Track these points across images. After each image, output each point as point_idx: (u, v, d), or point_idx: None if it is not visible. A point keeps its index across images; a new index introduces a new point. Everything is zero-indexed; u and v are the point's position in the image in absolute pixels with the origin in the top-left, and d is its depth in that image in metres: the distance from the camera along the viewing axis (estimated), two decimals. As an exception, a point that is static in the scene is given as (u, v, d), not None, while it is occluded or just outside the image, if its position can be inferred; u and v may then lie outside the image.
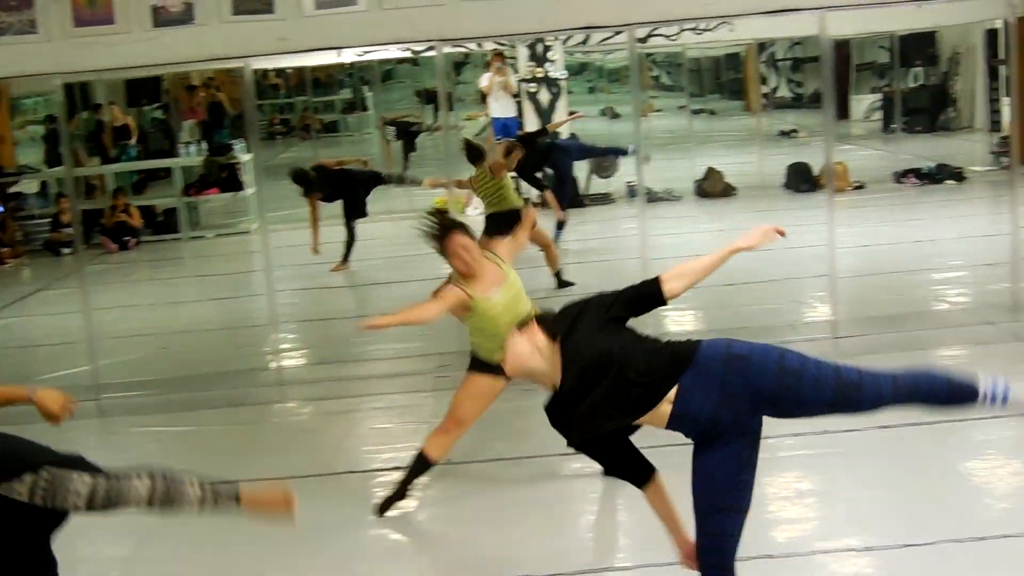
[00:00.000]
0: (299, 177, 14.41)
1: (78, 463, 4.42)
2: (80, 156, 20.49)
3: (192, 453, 8.09)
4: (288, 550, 6.30)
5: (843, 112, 29.34)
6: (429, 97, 31.99)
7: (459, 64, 38.14)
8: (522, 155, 12.51)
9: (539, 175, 14.42)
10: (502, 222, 11.43)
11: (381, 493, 6.98)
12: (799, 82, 35.73)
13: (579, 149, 15.67)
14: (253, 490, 4.56)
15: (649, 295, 4.57)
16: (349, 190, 14.41)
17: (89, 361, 9.82)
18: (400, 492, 6.67)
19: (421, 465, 6.69)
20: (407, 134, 23.00)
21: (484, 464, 7.32)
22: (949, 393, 4.43)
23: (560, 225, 13.75)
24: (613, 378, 4.28)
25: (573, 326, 4.47)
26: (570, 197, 14.21)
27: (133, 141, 21.53)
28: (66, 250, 17.35)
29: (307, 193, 14.30)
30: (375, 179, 15.08)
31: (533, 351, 4.43)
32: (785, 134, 26.40)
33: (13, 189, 19.51)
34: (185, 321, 12.31)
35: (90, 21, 9.19)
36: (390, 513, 6.67)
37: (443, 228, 6.44)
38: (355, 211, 14.42)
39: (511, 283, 6.60)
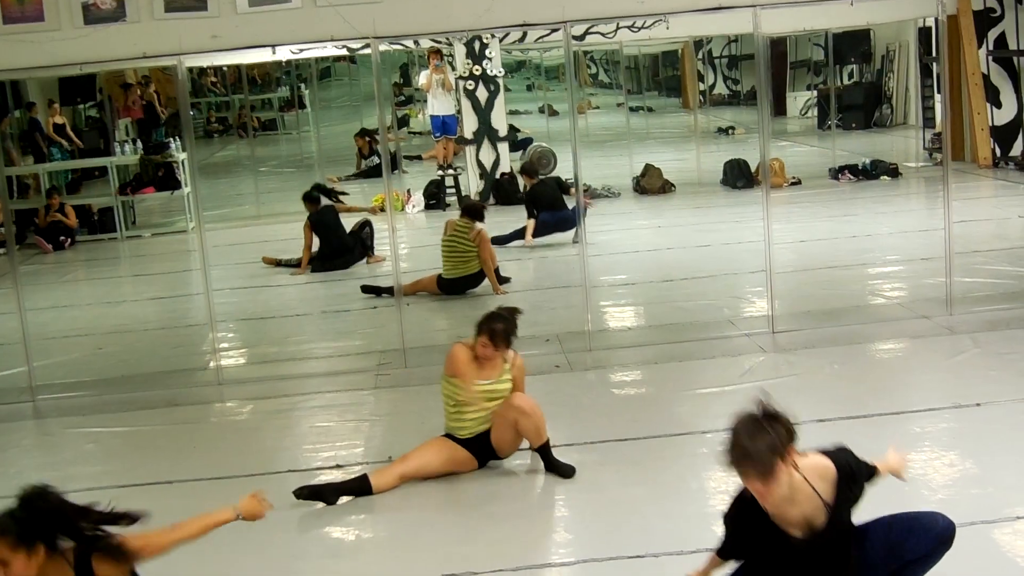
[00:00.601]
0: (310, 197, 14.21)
1: None
2: (13, 155, 20.21)
3: (130, 453, 8.01)
4: (228, 550, 6.25)
5: (779, 109, 29.67)
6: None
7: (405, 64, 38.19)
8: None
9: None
10: (460, 286, 11.91)
11: (322, 492, 6.97)
12: (736, 79, 36.03)
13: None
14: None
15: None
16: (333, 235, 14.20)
17: (24, 362, 9.68)
18: (326, 495, 6.72)
19: (359, 486, 6.79)
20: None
21: (425, 461, 7.29)
22: None
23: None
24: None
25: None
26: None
27: (69, 144, 21.29)
28: (-1, 250, 17.11)
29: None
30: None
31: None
32: (723, 131, 26.61)
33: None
34: (122, 321, 12.18)
35: (19, 18, 9.08)
36: (332, 511, 6.64)
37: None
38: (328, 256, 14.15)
39: (498, 386, 7.00)
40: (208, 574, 5.96)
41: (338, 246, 13.94)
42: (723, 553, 4.83)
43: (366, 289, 12.07)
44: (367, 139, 22.73)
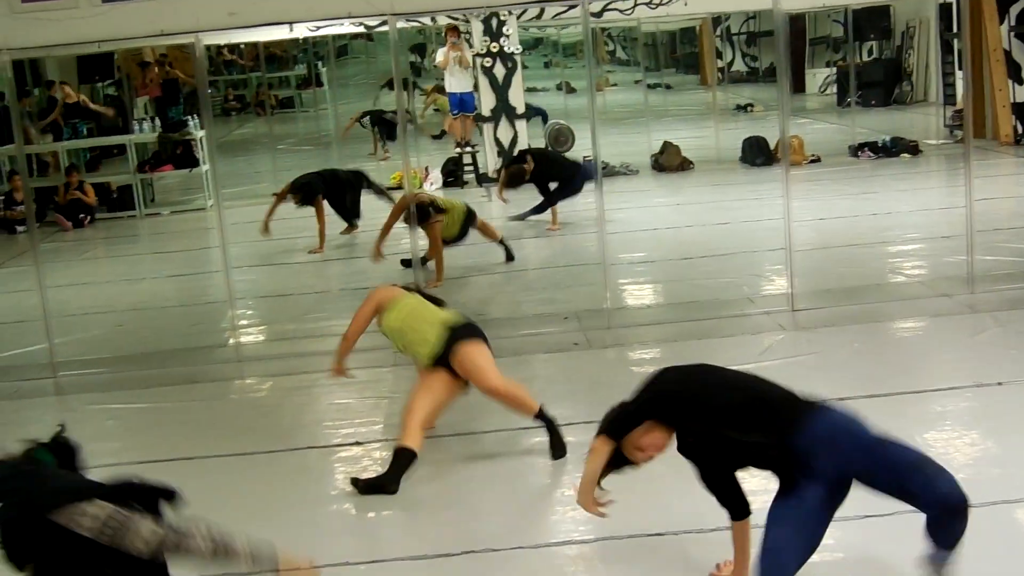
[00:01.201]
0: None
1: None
2: (31, 133, 20.23)
3: (150, 430, 8.04)
4: (249, 527, 6.26)
5: (798, 86, 29.51)
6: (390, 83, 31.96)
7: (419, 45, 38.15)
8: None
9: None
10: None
11: (342, 468, 6.98)
12: (754, 56, 35.87)
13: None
14: (289, 557, 4.58)
15: None
16: (338, 191, 14.28)
17: (45, 339, 9.73)
18: (387, 485, 6.54)
19: (407, 459, 6.61)
20: (383, 123, 22.91)
21: (443, 439, 7.30)
22: None
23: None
24: None
25: None
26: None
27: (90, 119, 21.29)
28: (20, 228, 17.16)
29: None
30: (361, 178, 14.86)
31: None
32: (741, 108, 26.50)
33: (-36, 168, 19.31)
34: (141, 298, 12.21)
35: (38, -4, 9.09)
36: (350, 487, 6.65)
37: None
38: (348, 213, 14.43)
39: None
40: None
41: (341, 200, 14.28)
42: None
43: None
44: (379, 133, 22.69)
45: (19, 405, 8.86)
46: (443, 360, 6.86)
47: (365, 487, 6.57)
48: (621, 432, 4.92)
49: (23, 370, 9.69)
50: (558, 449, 6.84)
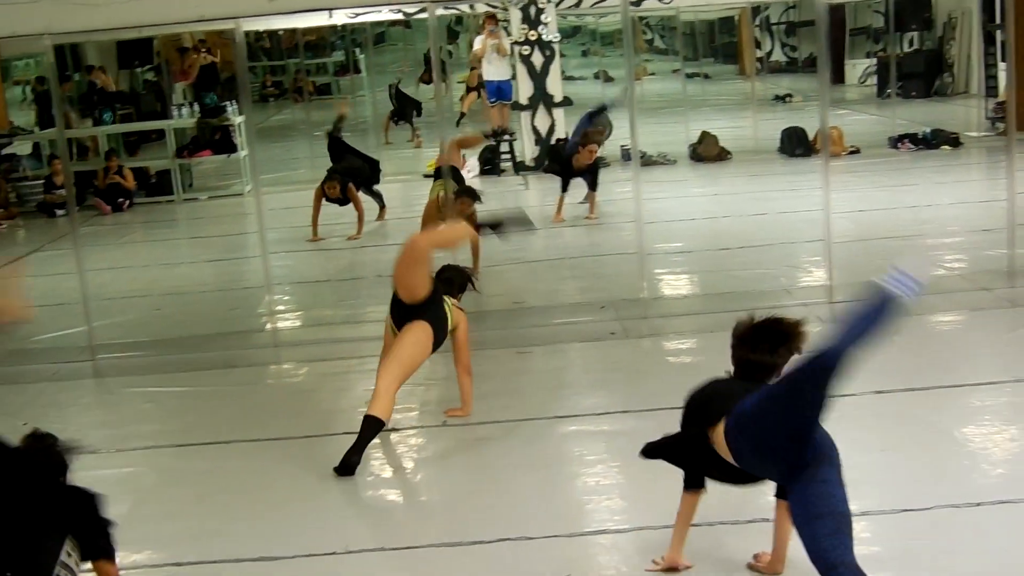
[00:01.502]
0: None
1: None
2: (71, 118, 20.38)
3: (187, 413, 8.09)
4: (285, 510, 6.31)
5: (838, 77, 29.27)
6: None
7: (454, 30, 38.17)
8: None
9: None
10: None
11: (377, 454, 7.01)
12: (793, 46, 35.64)
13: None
14: None
15: None
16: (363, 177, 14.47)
17: (84, 322, 9.80)
18: (352, 461, 6.67)
19: (373, 428, 6.81)
20: (405, 100, 22.99)
21: (479, 427, 7.31)
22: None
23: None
24: None
25: None
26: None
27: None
28: (60, 211, 17.28)
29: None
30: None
31: None
32: (780, 98, 26.32)
33: (6, 151, 19.44)
34: (179, 282, 12.27)
35: (81, -19, 9.14)
36: (386, 474, 6.68)
37: None
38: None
39: None
40: (264, 537, 6.00)
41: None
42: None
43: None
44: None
45: (58, 387, 8.93)
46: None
47: (343, 469, 6.64)
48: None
49: (62, 352, 9.77)
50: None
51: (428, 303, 7.14)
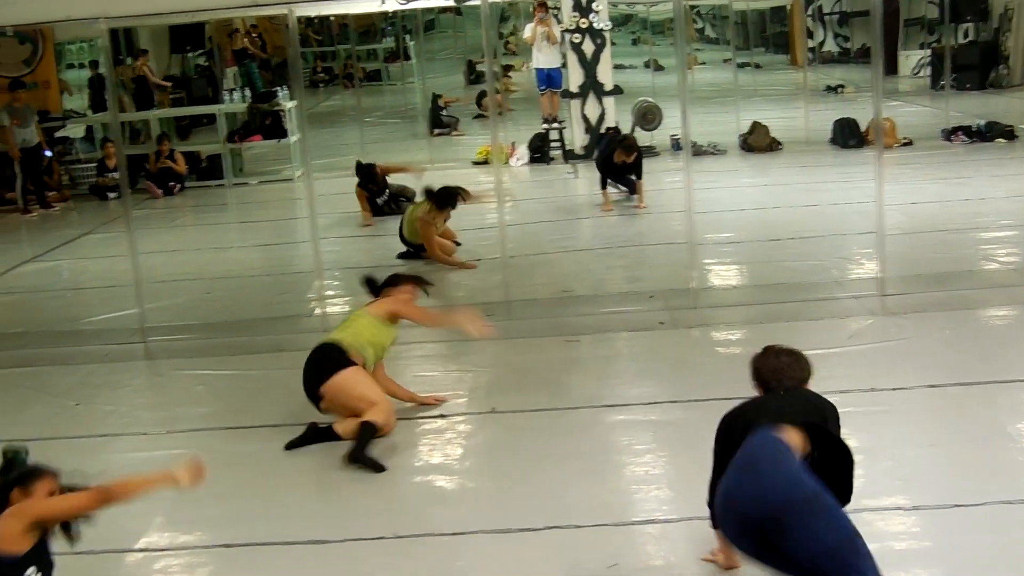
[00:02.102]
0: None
1: None
2: (124, 102, 20.53)
3: (236, 396, 8.14)
4: (334, 495, 6.34)
5: (891, 68, 29.00)
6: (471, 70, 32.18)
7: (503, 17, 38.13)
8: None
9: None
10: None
11: (426, 440, 7.03)
12: (846, 36, 35.34)
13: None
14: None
15: None
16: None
17: (136, 304, 9.88)
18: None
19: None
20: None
21: (527, 415, 7.32)
22: None
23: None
24: None
25: None
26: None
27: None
28: (112, 194, 17.44)
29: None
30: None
31: None
32: (831, 89, 26.13)
33: (59, 134, 19.62)
34: (229, 266, 12.34)
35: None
36: (435, 460, 6.69)
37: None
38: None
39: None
40: (314, 521, 6.03)
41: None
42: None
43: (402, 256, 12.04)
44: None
45: (110, 368, 9.01)
46: None
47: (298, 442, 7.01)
48: None
49: (114, 334, 9.86)
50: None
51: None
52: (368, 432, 6.79)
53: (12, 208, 17.43)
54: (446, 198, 11.86)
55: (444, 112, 22.70)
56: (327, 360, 7.13)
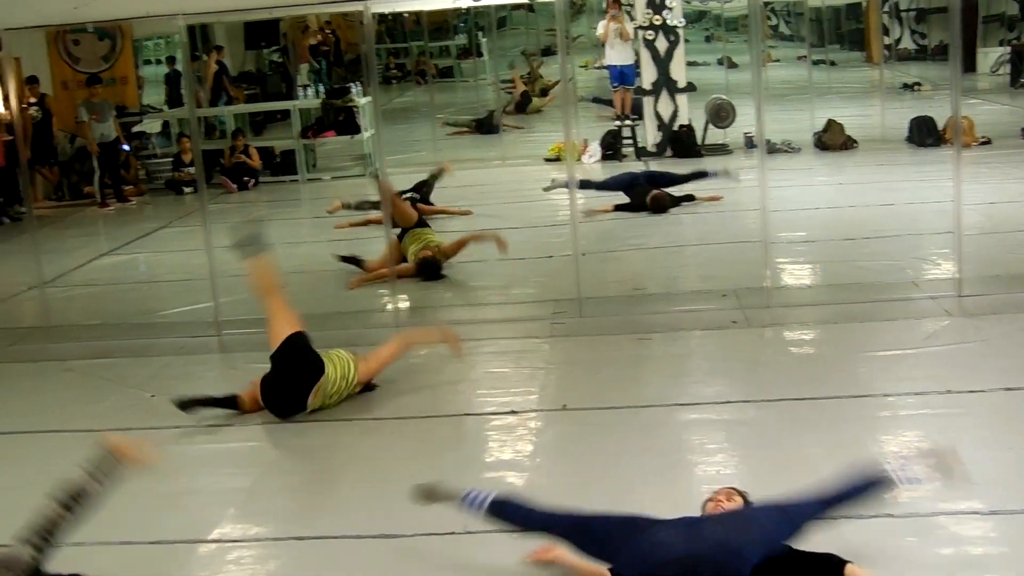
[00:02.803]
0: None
1: None
2: (200, 97, 20.77)
3: (310, 391, 8.17)
4: (403, 488, 6.35)
5: (969, 65, 28.56)
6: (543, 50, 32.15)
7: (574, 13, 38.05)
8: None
9: None
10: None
11: (497, 436, 7.03)
12: (923, 33, 34.87)
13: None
14: (114, 441, 4.99)
15: None
16: None
17: (211, 297, 9.99)
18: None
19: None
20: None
21: (598, 412, 7.30)
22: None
23: None
24: None
25: None
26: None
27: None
28: (187, 189, 17.64)
29: None
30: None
31: None
32: (908, 87, 25.80)
33: (136, 128, 19.87)
34: (302, 261, 12.39)
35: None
36: (505, 456, 6.70)
37: None
38: None
39: None
40: (383, 515, 6.06)
41: None
42: None
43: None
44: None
45: (185, 360, 9.12)
46: None
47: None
48: None
49: (189, 327, 9.97)
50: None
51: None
52: None
53: (90, 202, 17.70)
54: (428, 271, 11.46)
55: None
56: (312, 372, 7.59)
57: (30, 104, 17.64)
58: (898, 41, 34.84)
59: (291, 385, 7.48)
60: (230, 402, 7.61)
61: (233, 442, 7.31)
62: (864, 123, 19.10)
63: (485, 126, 22.30)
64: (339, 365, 7.66)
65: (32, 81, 17.99)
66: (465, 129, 22.72)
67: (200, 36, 23.66)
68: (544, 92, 26.48)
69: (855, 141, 17.65)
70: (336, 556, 5.66)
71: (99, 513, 6.32)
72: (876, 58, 29.18)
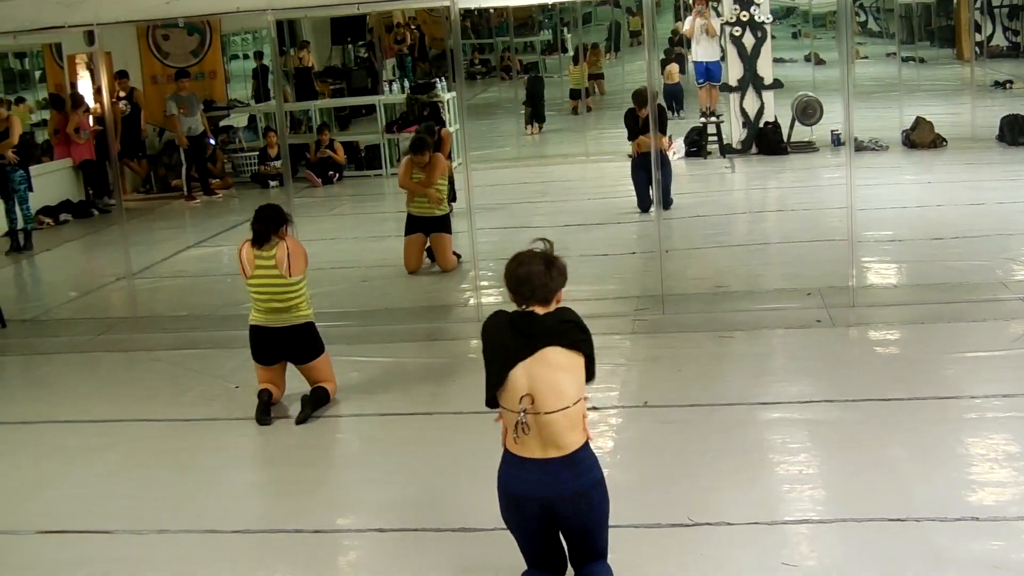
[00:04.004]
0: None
1: None
2: (287, 92, 21.00)
3: (392, 384, 8.24)
4: (483, 482, 6.37)
5: (1063, 63, 28.01)
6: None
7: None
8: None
9: None
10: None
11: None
12: (1016, 30, 34.25)
13: None
14: None
15: None
16: None
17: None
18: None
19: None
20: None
21: (680, 409, 7.27)
22: None
23: None
24: None
25: None
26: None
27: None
28: (273, 183, 17.84)
29: None
30: None
31: None
32: (1000, 85, 25.35)
33: (224, 123, 20.13)
34: (385, 255, 12.47)
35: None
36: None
37: None
38: None
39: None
40: (464, 508, 6.08)
41: None
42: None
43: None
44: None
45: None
46: None
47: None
48: None
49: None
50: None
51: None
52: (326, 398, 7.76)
53: (177, 195, 17.96)
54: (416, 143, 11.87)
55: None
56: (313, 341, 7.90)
57: (119, 98, 17.96)
58: (990, 38, 34.25)
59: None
60: (266, 402, 7.67)
61: (318, 434, 7.39)
62: (954, 121, 18.81)
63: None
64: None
65: (122, 75, 18.31)
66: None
67: (288, 31, 23.91)
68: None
69: (944, 139, 17.38)
70: (416, 548, 5.70)
71: (183, 501, 6.47)
72: (967, 55, 28.70)
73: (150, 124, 19.04)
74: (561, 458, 4.74)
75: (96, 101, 17.86)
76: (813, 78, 24.10)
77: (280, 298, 7.65)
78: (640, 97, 13.45)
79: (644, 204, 13.46)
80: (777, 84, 17.85)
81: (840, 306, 9.18)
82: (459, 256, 11.74)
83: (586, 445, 4.83)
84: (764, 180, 15.15)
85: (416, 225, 11.66)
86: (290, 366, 7.89)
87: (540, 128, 22.59)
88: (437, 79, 19.89)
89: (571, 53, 30.88)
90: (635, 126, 13.68)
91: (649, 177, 12.84)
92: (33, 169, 15.28)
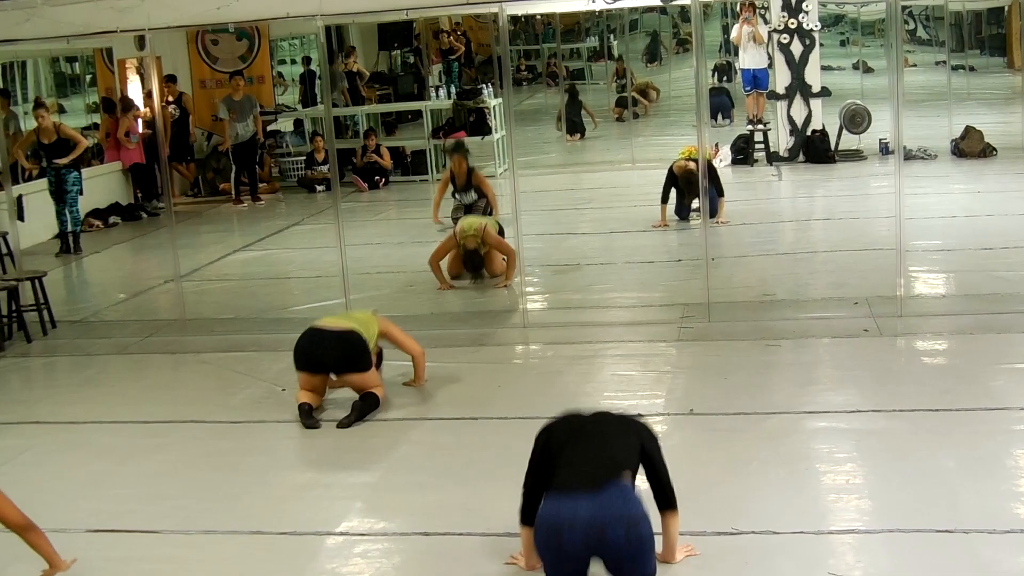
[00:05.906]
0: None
1: None
2: (345, 94, 21.12)
3: (437, 388, 8.24)
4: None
5: (1116, 72, 27.72)
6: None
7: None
8: None
9: None
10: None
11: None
12: (1067, 40, 33.92)
13: None
14: None
15: None
16: None
17: (341, 294, 10.15)
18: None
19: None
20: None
21: (725, 417, 7.26)
22: None
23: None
24: None
25: None
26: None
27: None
28: (319, 187, 17.94)
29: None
30: None
31: None
32: (1050, 94, 25.12)
33: (271, 127, 20.25)
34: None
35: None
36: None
37: None
38: None
39: None
40: (510, 514, 6.08)
41: None
42: None
43: None
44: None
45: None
46: None
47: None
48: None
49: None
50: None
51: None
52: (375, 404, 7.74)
53: (225, 198, 18.09)
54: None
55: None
56: (357, 353, 7.80)
57: (169, 102, 18.11)
58: (1041, 47, 33.94)
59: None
60: (308, 415, 7.72)
61: (361, 438, 7.42)
62: (1004, 130, 18.66)
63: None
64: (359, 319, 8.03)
65: (171, 80, 18.47)
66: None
67: (336, 37, 24.03)
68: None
69: (994, 149, 17.23)
70: (461, 552, 5.71)
71: (230, 502, 6.52)
72: (1018, 64, 28.50)
73: (198, 128, 19.20)
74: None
75: (146, 105, 18.02)
76: (861, 86, 23.97)
77: None
78: (690, 182, 13.07)
79: (682, 213, 13.43)
80: (825, 92, 17.76)
81: (887, 316, 9.13)
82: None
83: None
84: (811, 188, 15.06)
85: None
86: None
87: (581, 136, 22.58)
88: (483, 85, 19.92)
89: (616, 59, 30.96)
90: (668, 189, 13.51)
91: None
92: (84, 172, 15.43)
